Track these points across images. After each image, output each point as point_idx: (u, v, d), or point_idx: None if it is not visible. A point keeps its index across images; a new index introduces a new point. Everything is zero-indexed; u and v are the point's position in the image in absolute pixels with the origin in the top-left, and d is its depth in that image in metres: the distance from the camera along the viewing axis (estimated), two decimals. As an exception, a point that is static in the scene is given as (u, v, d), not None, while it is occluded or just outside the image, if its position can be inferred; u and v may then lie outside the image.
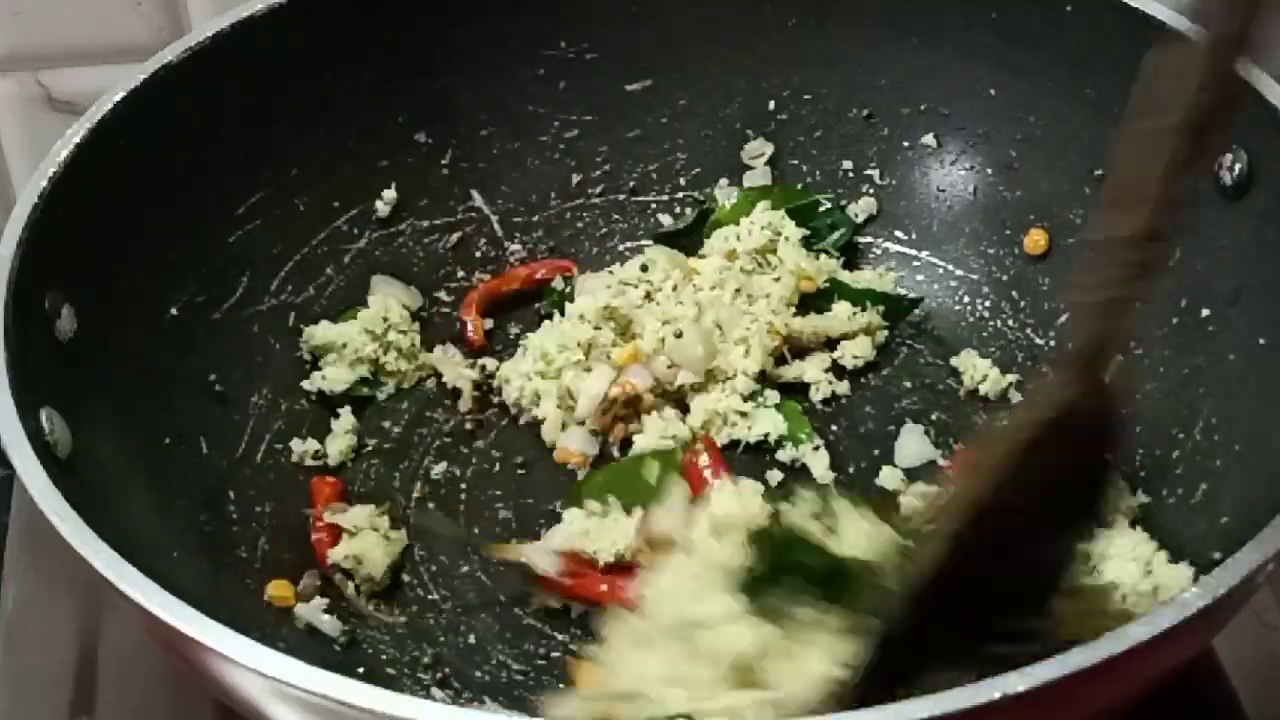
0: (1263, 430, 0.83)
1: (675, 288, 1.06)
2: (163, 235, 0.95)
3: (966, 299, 1.08)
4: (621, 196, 1.14)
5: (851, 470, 1.00)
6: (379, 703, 0.62)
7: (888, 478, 0.99)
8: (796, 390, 1.04)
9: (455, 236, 1.11)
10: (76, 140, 0.89)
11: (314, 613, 0.90)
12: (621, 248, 1.13)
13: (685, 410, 1.02)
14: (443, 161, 1.10)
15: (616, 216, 1.14)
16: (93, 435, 0.82)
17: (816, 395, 1.04)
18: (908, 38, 1.08)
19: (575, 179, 1.13)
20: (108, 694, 0.90)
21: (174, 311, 0.95)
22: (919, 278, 1.10)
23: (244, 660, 0.65)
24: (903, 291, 1.09)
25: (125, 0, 1.13)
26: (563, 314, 1.06)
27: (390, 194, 1.08)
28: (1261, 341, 0.86)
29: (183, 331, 0.95)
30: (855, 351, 1.05)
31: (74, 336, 0.85)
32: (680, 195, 1.14)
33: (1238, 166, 0.89)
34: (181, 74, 0.96)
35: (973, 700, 0.60)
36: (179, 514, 0.88)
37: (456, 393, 1.05)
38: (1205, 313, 0.92)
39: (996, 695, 0.61)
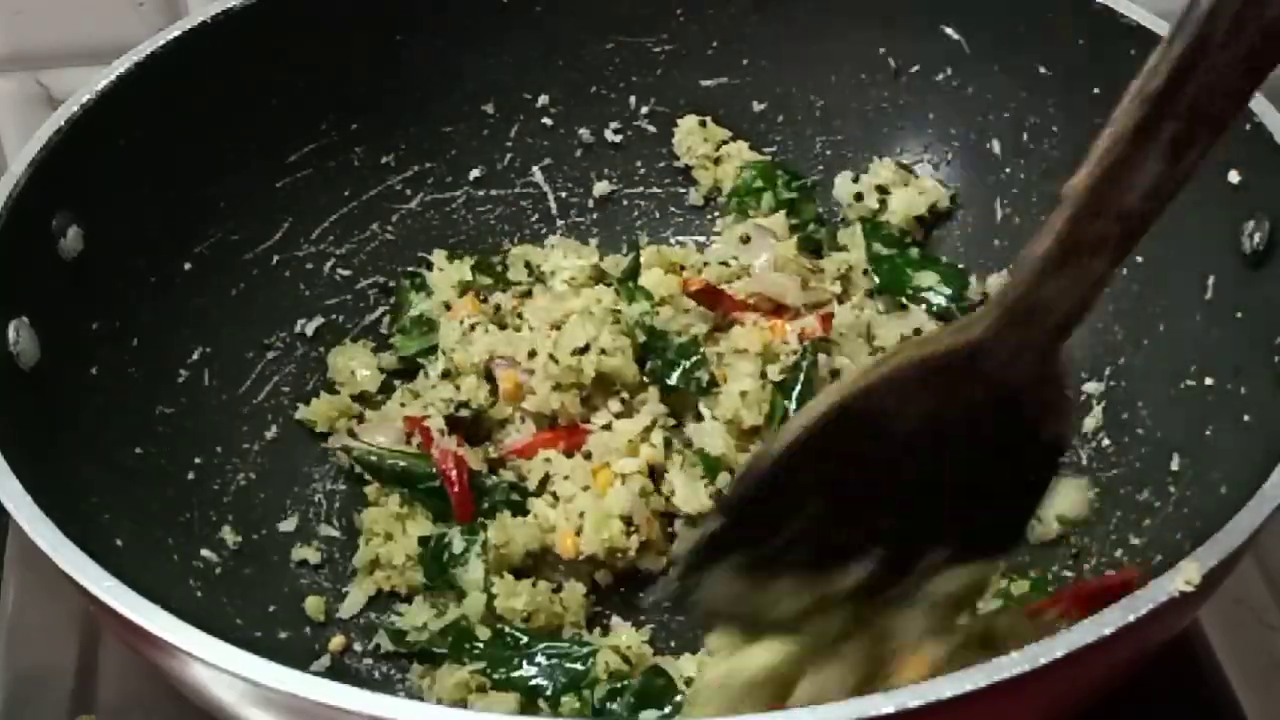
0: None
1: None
2: (201, 174, 0.98)
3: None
4: (682, 190, 1.14)
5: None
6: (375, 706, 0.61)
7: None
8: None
9: (509, 210, 1.12)
10: (120, 71, 0.93)
11: None
12: (673, 241, 1.13)
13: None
14: (508, 135, 1.11)
15: (674, 209, 1.14)
16: (74, 351, 0.86)
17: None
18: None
19: (639, 167, 1.13)
20: (108, 694, 0.91)
21: (202, 249, 0.98)
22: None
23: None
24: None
25: (125, 0, 1.13)
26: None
27: (450, 159, 1.10)
28: (1246, 419, 0.82)
29: (207, 267, 0.99)
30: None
31: (78, 257, 0.88)
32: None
33: (1258, 235, 0.84)
34: (246, 19, 0.99)
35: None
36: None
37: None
38: (1209, 382, 0.87)
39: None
